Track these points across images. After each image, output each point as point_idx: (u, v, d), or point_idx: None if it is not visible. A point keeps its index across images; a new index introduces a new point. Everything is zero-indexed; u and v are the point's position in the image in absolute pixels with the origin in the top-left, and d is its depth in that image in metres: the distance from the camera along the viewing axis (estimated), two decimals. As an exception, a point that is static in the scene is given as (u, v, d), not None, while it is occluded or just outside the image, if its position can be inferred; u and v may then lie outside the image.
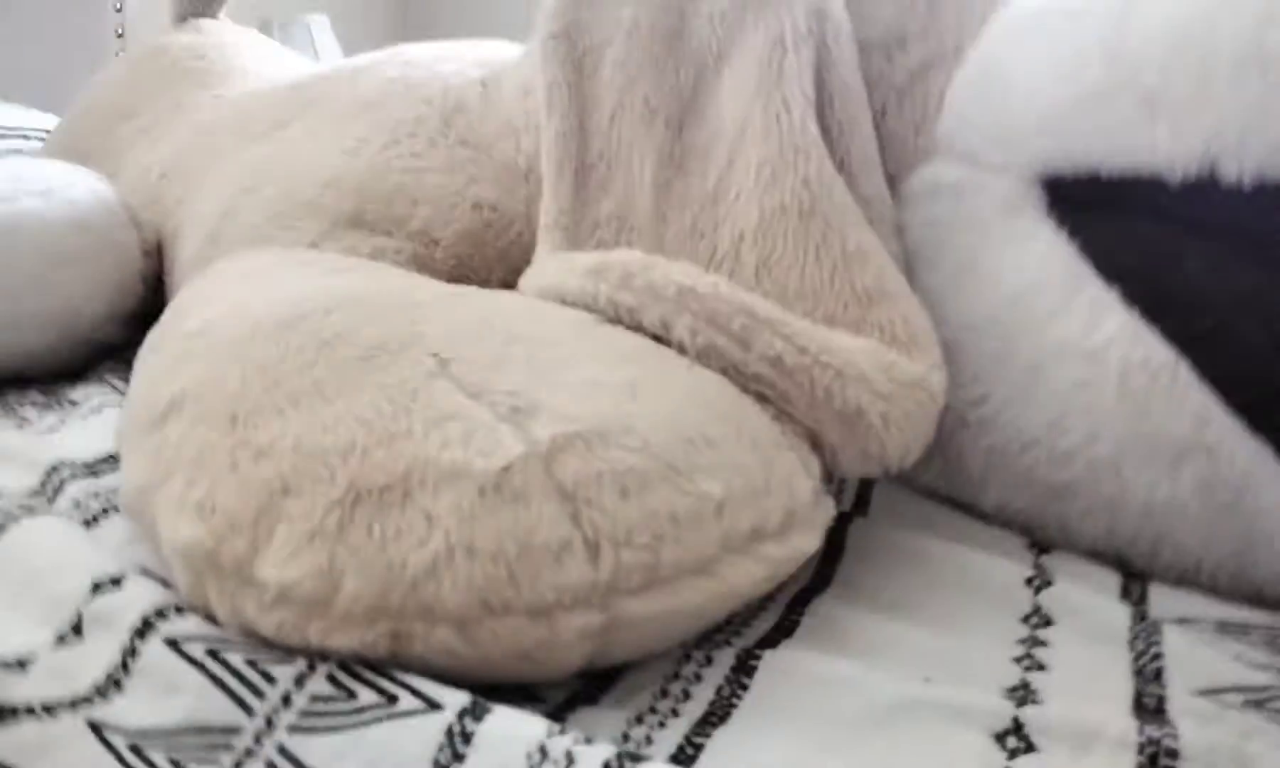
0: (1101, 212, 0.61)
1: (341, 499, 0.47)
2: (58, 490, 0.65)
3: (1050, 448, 0.61)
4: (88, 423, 0.77)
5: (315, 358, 0.53)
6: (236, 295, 0.63)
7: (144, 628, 0.48)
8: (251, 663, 0.46)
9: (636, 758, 0.38)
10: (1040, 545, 0.63)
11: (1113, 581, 0.59)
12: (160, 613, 0.49)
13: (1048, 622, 0.55)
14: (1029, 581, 0.58)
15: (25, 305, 0.85)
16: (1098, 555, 0.62)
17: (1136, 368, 0.58)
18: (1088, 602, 0.56)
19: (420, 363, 0.52)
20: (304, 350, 0.54)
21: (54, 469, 0.68)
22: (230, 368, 0.54)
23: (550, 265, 0.65)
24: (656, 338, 0.58)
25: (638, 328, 0.58)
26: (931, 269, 0.66)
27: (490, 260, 0.80)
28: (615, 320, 0.59)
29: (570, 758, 0.39)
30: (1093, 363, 0.59)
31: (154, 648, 0.47)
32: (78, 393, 0.84)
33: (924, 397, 0.57)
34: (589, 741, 0.40)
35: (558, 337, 0.55)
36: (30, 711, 0.44)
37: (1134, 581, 0.60)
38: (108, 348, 0.92)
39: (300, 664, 0.45)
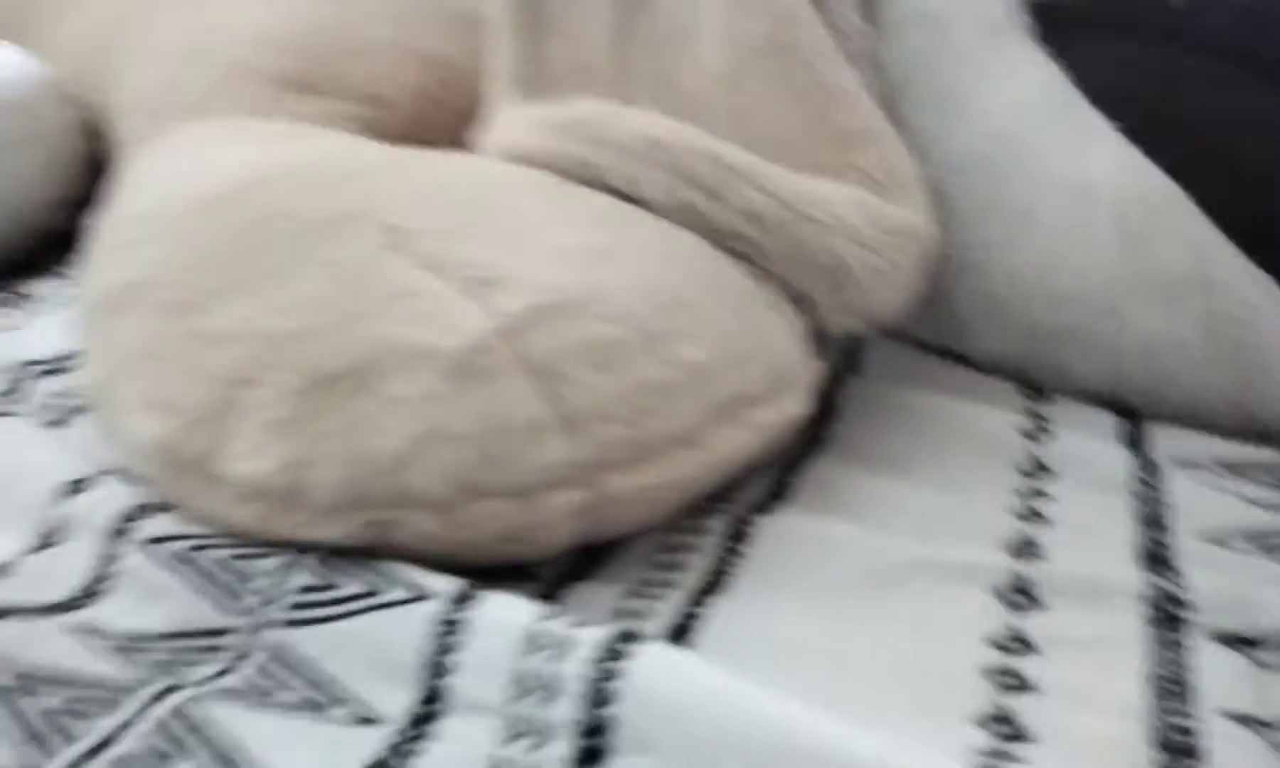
0: (1095, 34, 0.57)
1: (302, 388, 0.44)
2: (24, 391, 0.63)
3: (1044, 291, 0.58)
4: (53, 318, 0.74)
5: (263, 236, 0.50)
6: (177, 173, 0.59)
7: (117, 532, 0.46)
8: (232, 560, 0.44)
9: (632, 637, 0.37)
10: (1035, 392, 0.61)
11: (1111, 425, 0.58)
12: (134, 513, 0.47)
13: (1046, 472, 0.54)
14: (1026, 431, 0.57)
15: (-34, 199, 0.81)
16: (1095, 399, 0.60)
17: (1133, 201, 0.55)
18: (1086, 449, 0.55)
19: (372, 236, 0.49)
20: (251, 229, 0.50)
21: (18, 370, 0.65)
22: (175, 251, 0.51)
23: (509, 121, 0.61)
24: (627, 197, 0.54)
25: (604, 187, 0.54)
26: (914, 105, 0.62)
27: (451, 122, 0.75)
28: (581, 180, 0.55)
29: (563, 642, 0.37)
30: (1087, 198, 0.56)
31: (130, 552, 0.45)
32: (32, 287, 0.80)
33: (910, 244, 0.54)
34: (582, 624, 0.38)
35: (519, 201, 0.52)
36: (11, 611, 0.43)
37: (1133, 423, 0.58)
38: (59, 236, 0.88)
39: (282, 558, 0.43)
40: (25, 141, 0.83)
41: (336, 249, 0.48)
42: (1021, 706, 0.39)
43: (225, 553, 0.44)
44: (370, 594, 0.41)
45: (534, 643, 0.38)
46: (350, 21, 0.76)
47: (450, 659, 0.38)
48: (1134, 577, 0.44)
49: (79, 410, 0.59)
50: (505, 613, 0.39)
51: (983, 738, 0.38)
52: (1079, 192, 0.56)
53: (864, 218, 0.53)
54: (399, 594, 0.41)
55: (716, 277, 0.50)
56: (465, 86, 0.75)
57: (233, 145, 0.62)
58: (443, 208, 0.51)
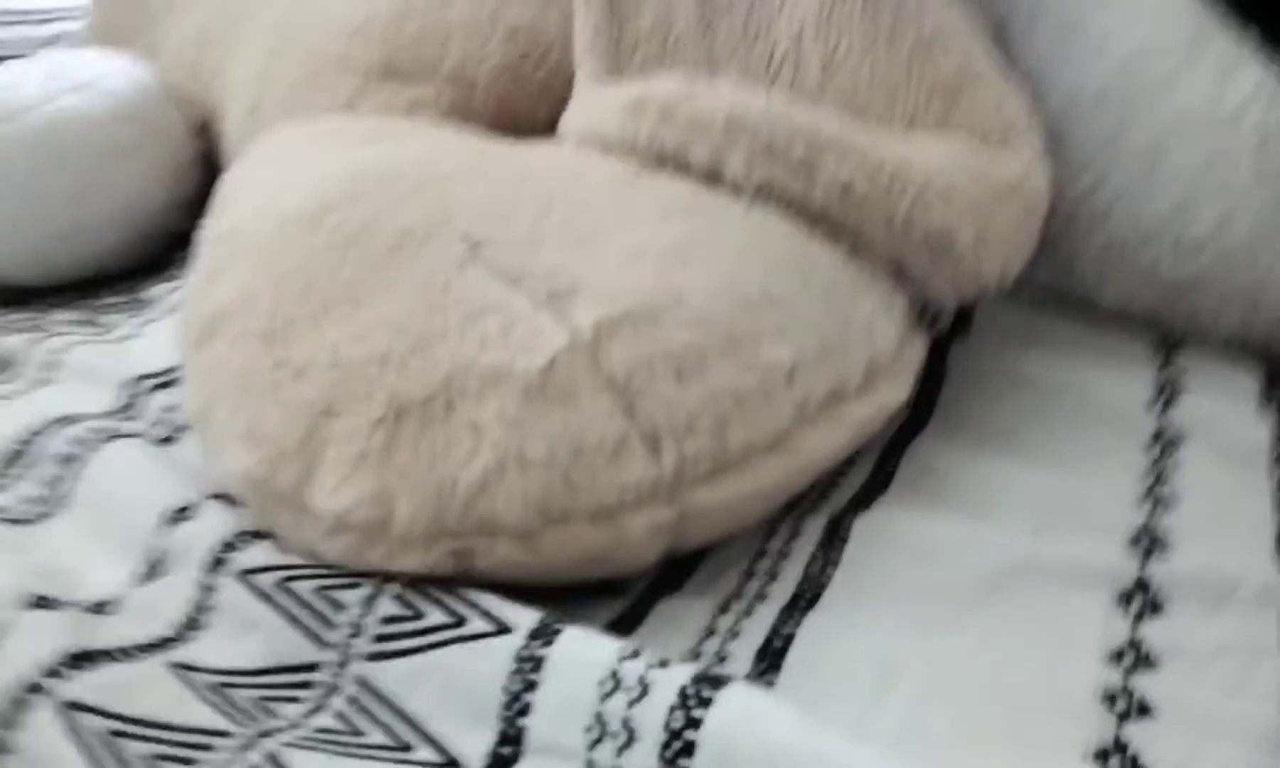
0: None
1: (384, 416, 0.44)
2: (138, 407, 0.65)
3: (1176, 238, 0.53)
4: (162, 327, 0.76)
5: (343, 256, 0.49)
6: (266, 184, 0.59)
7: (216, 563, 0.47)
8: (321, 592, 0.45)
9: (716, 682, 0.36)
10: (1166, 345, 0.56)
11: (1251, 383, 0.52)
12: (230, 545, 0.48)
13: (1177, 443, 0.49)
14: (1154, 396, 0.52)
15: (82, 207, 0.84)
16: (1233, 351, 0.55)
17: (1277, 135, 0.49)
18: (1223, 414, 0.50)
19: (451, 249, 0.48)
20: (331, 249, 0.50)
21: (133, 384, 0.67)
22: (261, 278, 0.51)
23: (588, 103, 0.59)
24: (708, 178, 0.51)
25: (685, 169, 0.52)
26: (1027, 40, 0.56)
27: (533, 96, 0.73)
28: (660, 162, 0.53)
29: (644, 686, 0.36)
30: (1224, 133, 0.50)
31: (228, 584, 0.46)
32: (151, 291, 0.83)
33: (1024, 202, 0.50)
34: (663, 664, 0.37)
35: (595, 197, 0.50)
36: (111, 655, 0.45)
37: (1275, 383, 0.52)
38: (180, 236, 0.91)
39: (367, 587, 0.44)
40: (135, 149, 0.85)
41: (414, 266, 0.48)
42: (1139, 736, 0.36)
43: (316, 582, 0.45)
44: (454, 624, 0.41)
45: (614, 684, 0.37)
46: (433, 4, 0.75)
47: (529, 698, 0.38)
48: (1268, 575, 0.40)
49: (188, 427, 0.61)
50: (585, 651, 0.38)
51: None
52: (1215, 126, 0.50)
53: (970, 178, 0.48)
54: (481, 627, 0.41)
55: (805, 262, 0.47)
56: (550, 58, 0.73)
57: (315, 154, 0.62)
58: (520, 212, 0.49)
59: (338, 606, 0.44)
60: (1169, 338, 0.56)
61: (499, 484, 0.42)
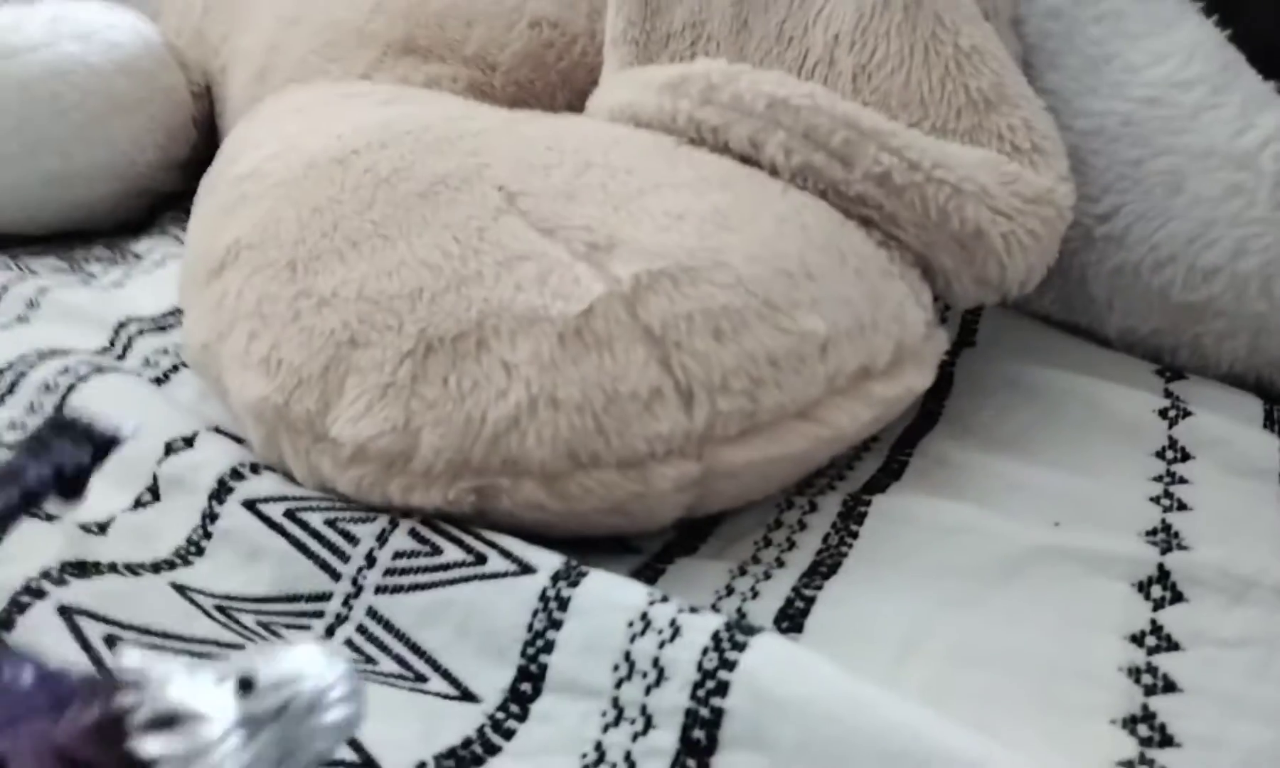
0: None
1: (413, 350, 0.43)
2: (127, 348, 0.63)
3: (1189, 265, 0.54)
4: (153, 276, 0.75)
5: (373, 197, 0.49)
6: (287, 133, 0.58)
7: (220, 490, 0.46)
8: (332, 523, 0.43)
9: (748, 630, 0.35)
10: (1171, 372, 0.57)
11: (1255, 408, 0.54)
12: (236, 473, 0.46)
13: (1186, 456, 0.50)
14: (1163, 411, 0.53)
15: (77, 158, 0.82)
16: (1236, 381, 0.56)
17: (1295, 169, 0.51)
18: (1230, 432, 0.51)
19: (486, 198, 0.48)
20: (360, 189, 0.49)
21: (122, 326, 0.65)
22: (285, 211, 0.50)
23: (621, 83, 0.59)
24: (745, 160, 0.52)
25: (724, 149, 0.52)
26: (1055, 67, 0.58)
27: (553, 85, 0.73)
28: (698, 142, 0.53)
29: (675, 628, 0.36)
30: (1244, 167, 0.52)
31: (232, 511, 0.45)
32: (141, 245, 0.81)
33: (1050, 213, 0.51)
34: (694, 610, 0.37)
35: (634, 162, 0.50)
36: (113, 567, 0.43)
37: (1277, 407, 0.54)
38: (169, 197, 0.89)
39: (382, 521, 0.43)
40: (136, 104, 0.83)
41: (449, 212, 0.47)
42: (1167, 708, 0.36)
43: (327, 514, 0.43)
44: (473, 563, 0.40)
45: (644, 625, 0.36)
46: (457, -17, 0.75)
47: (553, 635, 0.37)
48: (1284, 571, 0.41)
49: (183, 367, 0.59)
50: (614, 592, 0.38)
51: (1125, 743, 0.35)
52: (1236, 161, 0.52)
53: (1001, 183, 0.50)
54: (501, 566, 0.40)
55: (840, 243, 0.48)
56: (574, 50, 0.74)
57: (342, 107, 0.61)
58: (557, 170, 0.49)
59: (350, 538, 0.43)
60: (1169, 372, 0.58)
61: (529, 423, 0.41)
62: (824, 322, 0.45)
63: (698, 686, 0.34)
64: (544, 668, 0.37)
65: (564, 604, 0.38)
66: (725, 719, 0.34)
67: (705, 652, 0.35)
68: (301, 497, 0.45)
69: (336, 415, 0.43)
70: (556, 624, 0.37)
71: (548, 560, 0.40)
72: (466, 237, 0.46)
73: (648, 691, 0.35)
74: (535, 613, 0.38)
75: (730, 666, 0.34)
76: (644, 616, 0.37)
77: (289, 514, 0.44)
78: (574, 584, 0.38)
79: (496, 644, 0.38)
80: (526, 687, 0.37)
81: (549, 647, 0.37)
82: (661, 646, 0.36)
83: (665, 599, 0.37)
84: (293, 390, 0.45)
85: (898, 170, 0.49)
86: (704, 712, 0.34)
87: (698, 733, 0.34)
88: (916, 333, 0.48)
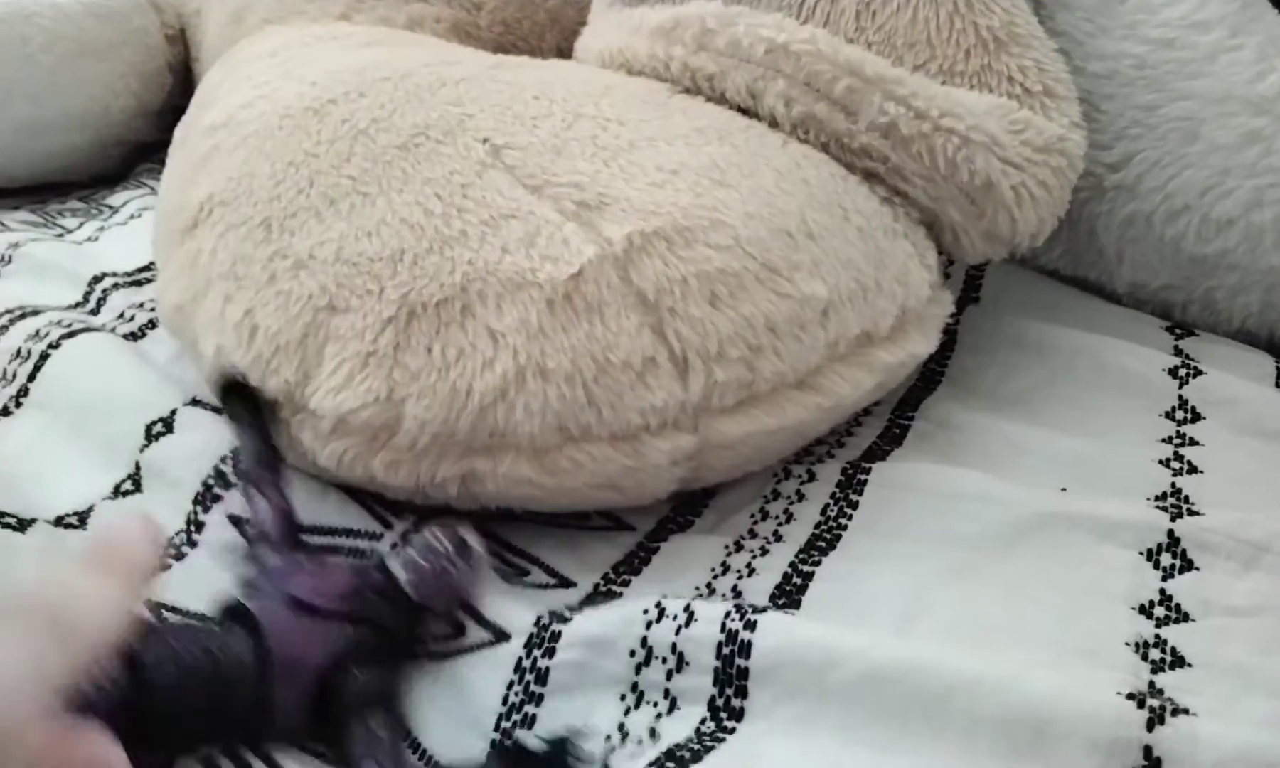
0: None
1: (395, 316, 0.41)
2: (100, 302, 0.61)
3: (1203, 216, 0.52)
4: (128, 229, 0.72)
5: (351, 150, 0.46)
6: (261, 80, 0.55)
7: (206, 495, 0.44)
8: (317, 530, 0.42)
9: (755, 608, 0.33)
10: (1181, 329, 0.55)
11: (1268, 366, 0.52)
12: (220, 475, 0.44)
13: (1197, 416, 0.48)
14: (1172, 369, 0.51)
15: (47, 105, 0.79)
16: (1248, 338, 0.54)
17: (1319, 119, 0.48)
18: (1241, 392, 0.49)
19: (470, 151, 0.45)
20: (338, 141, 0.47)
21: (96, 280, 0.63)
22: (260, 165, 0.48)
23: (610, 25, 0.56)
24: (743, 110, 0.49)
25: (720, 99, 0.50)
26: (1067, 6, 0.55)
27: (541, 25, 0.70)
28: (693, 90, 0.50)
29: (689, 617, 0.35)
30: (1262, 113, 0.50)
31: (216, 521, 0.43)
32: (116, 197, 0.79)
33: (1061, 163, 0.49)
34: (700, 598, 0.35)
35: (626, 113, 0.48)
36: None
37: (1288, 365, 0.52)
38: (144, 147, 0.86)
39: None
40: (108, 48, 0.80)
41: (431, 166, 0.45)
42: (1175, 684, 0.35)
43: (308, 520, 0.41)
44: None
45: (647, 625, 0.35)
46: (438, -84, 0.72)
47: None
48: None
49: (155, 325, 0.57)
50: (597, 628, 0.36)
51: (1134, 715, 0.34)
52: (1254, 106, 0.50)
53: (1011, 132, 0.47)
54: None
55: (843, 200, 0.46)
56: (559, -13, 0.71)
57: (317, 52, 0.58)
58: (545, 121, 0.47)
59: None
60: (1180, 320, 0.56)
61: (517, 395, 0.39)
62: (825, 285, 0.43)
63: (719, 655, 0.33)
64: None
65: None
66: (751, 679, 0.33)
67: (719, 625, 0.34)
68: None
69: (316, 386, 0.41)
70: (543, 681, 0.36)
71: (524, 624, 0.37)
72: (449, 194, 0.44)
73: (668, 674, 0.34)
74: (513, 688, 0.36)
75: (749, 629, 0.33)
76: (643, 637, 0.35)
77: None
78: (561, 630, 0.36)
79: (478, 724, 0.36)
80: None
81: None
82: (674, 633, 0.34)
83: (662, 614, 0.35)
84: (269, 359, 0.43)
85: (904, 120, 0.46)
86: (729, 677, 0.33)
87: (726, 698, 0.33)
88: (921, 295, 0.46)
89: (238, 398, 0.43)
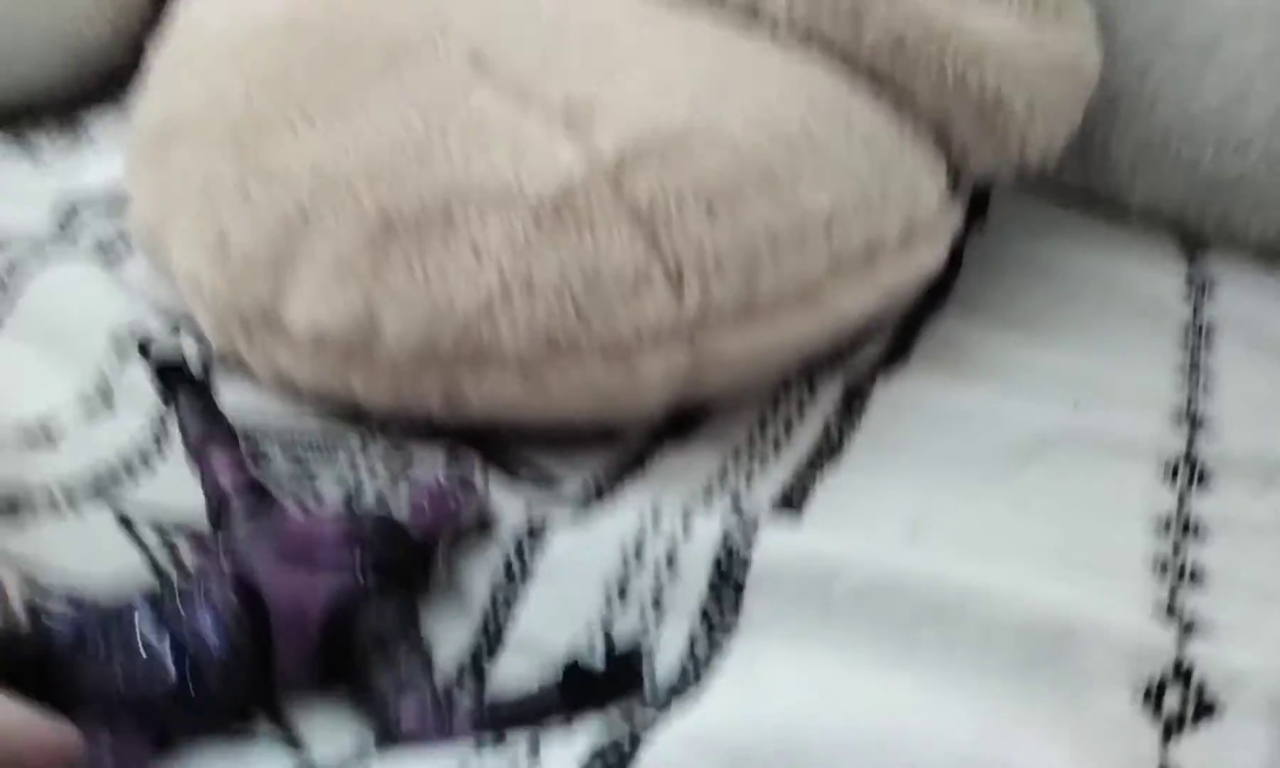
0: None
1: (374, 229, 0.39)
2: (79, 230, 0.60)
3: (1221, 135, 0.50)
4: (105, 154, 0.70)
5: (327, 63, 0.44)
6: (233, 1, 0.53)
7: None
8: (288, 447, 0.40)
9: (753, 524, 0.32)
10: (1195, 247, 0.53)
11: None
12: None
13: (1211, 336, 0.47)
14: (1184, 290, 0.49)
15: (24, 30, 0.77)
16: (1264, 256, 0.53)
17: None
18: (1257, 310, 0.48)
19: (451, 61, 0.43)
20: (314, 55, 0.45)
21: (73, 207, 0.61)
22: (233, 82, 0.46)
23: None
24: (744, 22, 0.47)
25: (720, 5, 0.47)
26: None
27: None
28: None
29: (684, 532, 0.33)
30: (1284, 26, 0.48)
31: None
32: (88, 121, 0.76)
33: (1075, 79, 0.47)
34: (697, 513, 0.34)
35: (618, 20, 0.45)
36: (53, 505, 0.39)
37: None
38: (122, 72, 0.83)
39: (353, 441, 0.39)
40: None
41: (411, 76, 0.43)
42: (1194, 601, 0.34)
43: (281, 439, 0.40)
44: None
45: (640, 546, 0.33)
46: None
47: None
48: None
49: (132, 250, 0.55)
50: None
51: (1159, 628, 0.33)
52: (1276, 18, 0.47)
53: (1025, 47, 0.45)
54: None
55: (847, 110, 0.43)
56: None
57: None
58: (531, 29, 0.44)
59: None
60: (1194, 240, 0.54)
61: (502, 309, 0.38)
62: (828, 195, 0.41)
63: (714, 567, 0.32)
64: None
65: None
66: (747, 590, 0.32)
67: (716, 543, 0.33)
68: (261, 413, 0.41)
69: (290, 302, 0.40)
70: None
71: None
72: (431, 105, 0.42)
73: (662, 582, 0.33)
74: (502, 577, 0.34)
75: (748, 545, 0.32)
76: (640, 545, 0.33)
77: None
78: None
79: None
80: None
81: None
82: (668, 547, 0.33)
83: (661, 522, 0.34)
84: (242, 275, 0.41)
85: (910, 31, 0.44)
86: (724, 590, 0.32)
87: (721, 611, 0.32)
88: (929, 206, 0.44)
89: (172, 373, 0.40)
